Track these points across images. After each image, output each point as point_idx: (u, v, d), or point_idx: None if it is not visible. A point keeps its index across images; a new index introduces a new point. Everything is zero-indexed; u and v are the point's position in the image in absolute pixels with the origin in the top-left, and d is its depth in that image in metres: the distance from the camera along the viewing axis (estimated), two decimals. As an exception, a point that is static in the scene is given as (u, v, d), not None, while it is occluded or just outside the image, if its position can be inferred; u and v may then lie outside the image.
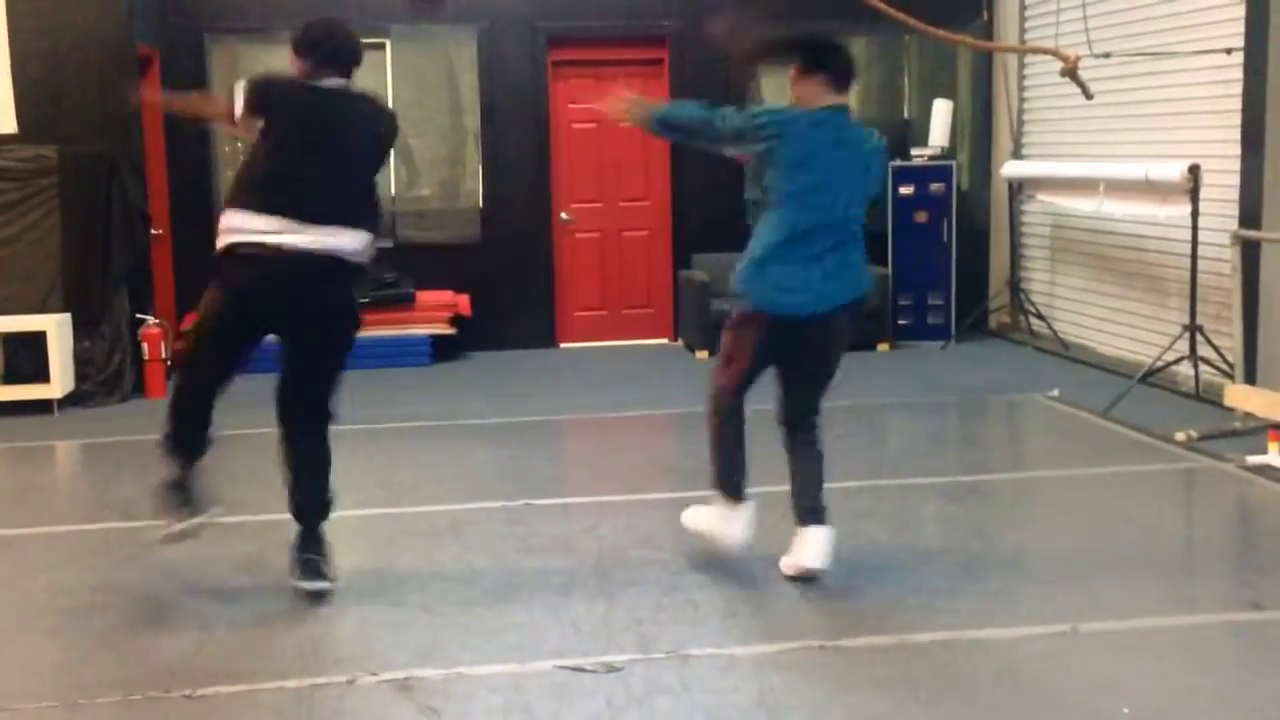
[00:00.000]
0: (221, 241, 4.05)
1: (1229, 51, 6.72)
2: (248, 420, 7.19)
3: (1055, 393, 7.22)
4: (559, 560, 4.53)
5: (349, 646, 3.82)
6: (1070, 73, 6.33)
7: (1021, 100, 9.52)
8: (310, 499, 4.23)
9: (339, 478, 4.34)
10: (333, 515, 4.39)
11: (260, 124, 4.13)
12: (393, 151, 4.75)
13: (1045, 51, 6.90)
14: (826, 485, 4.30)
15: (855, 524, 4.82)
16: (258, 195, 4.04)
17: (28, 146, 7.53)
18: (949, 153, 9.53)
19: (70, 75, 7.58)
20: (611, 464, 6.35)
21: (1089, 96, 6.25)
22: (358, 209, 4.16)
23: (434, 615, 4.05)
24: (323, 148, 4.10)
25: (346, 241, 4.06)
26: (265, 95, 4.17)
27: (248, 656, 3.75)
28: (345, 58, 4.25)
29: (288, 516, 4.34)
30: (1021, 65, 9.53)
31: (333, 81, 4.19)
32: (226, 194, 4.24)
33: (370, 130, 4.28)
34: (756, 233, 4.19)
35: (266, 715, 3.37)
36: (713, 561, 4.39)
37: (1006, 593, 4.12)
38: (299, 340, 4.18)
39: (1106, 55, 7.13)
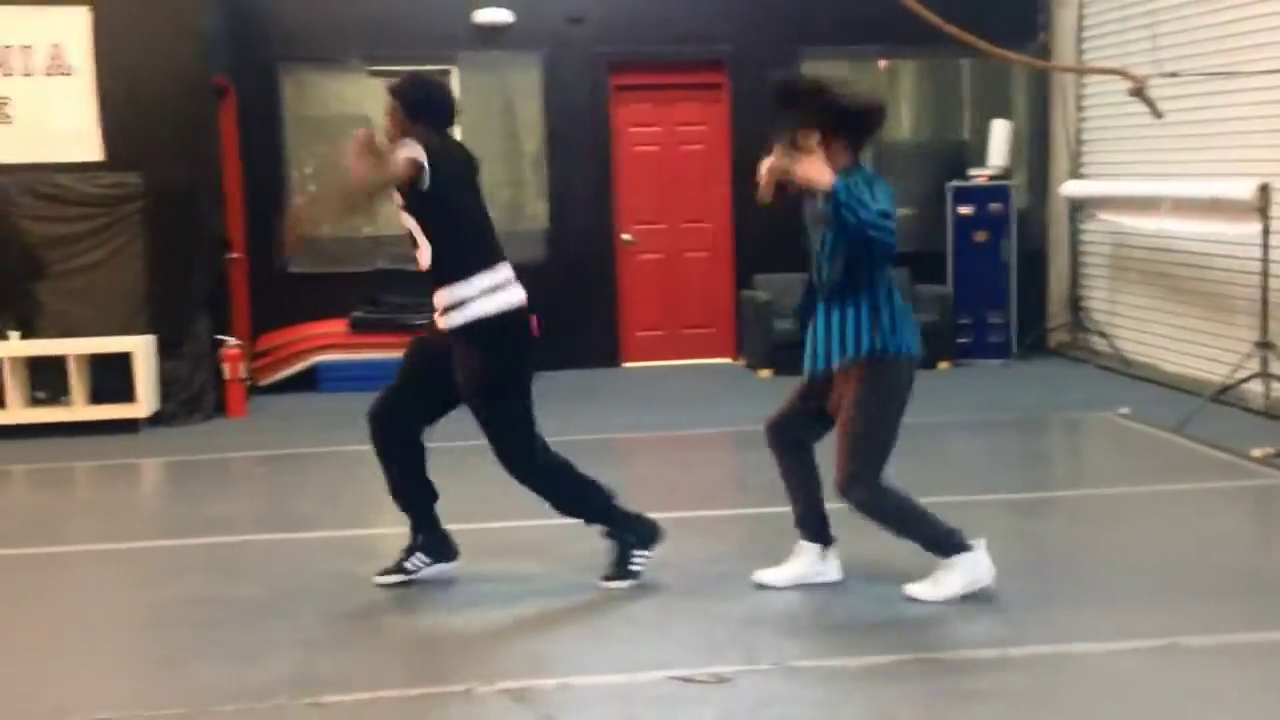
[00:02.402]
0: (499, 304, 4.28)
1: (1296, 71, 6.76)
2: (338, 438, 7.30)
3: (1126, 410, 7.25)
4: (649, 574, 4.61)
5: (460, 657, 3.93)
6: (1138, 92, 6.37)
7: (1080, 119, 9.58)
8: None
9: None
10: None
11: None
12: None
13: (1112, 72, 6.96)
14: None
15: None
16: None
17: (113, 174, 7.77)
18: (1007, 172, 9.60)
19: (153, 106, 7.82)
20: (685, 481, 6.45)
21: (1158, 115, 6.29)
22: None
23: (537, 627, 4.17)
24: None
25: None
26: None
27: (363, 666, 3.87)
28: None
29: (379, 530, 4.54)
30: (1080, 85, 9.59)
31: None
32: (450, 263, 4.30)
33: None
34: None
35: (391, 723, 3.50)
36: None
37: (1099, 607, 4.18)
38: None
39: (1174, 74, 7.16)
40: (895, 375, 4.13)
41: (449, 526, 4.69)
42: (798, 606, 4.24)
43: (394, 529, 4.84)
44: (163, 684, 3.82)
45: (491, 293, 4.28)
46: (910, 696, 3.54)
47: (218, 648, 4.05)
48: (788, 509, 4.47)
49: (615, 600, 4.39)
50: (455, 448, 5.13)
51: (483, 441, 4.44)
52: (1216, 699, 3.47)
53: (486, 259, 4.33)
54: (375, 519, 5.42)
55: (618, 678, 3.73)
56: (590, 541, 4.94)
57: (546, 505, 4.58)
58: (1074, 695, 3.51)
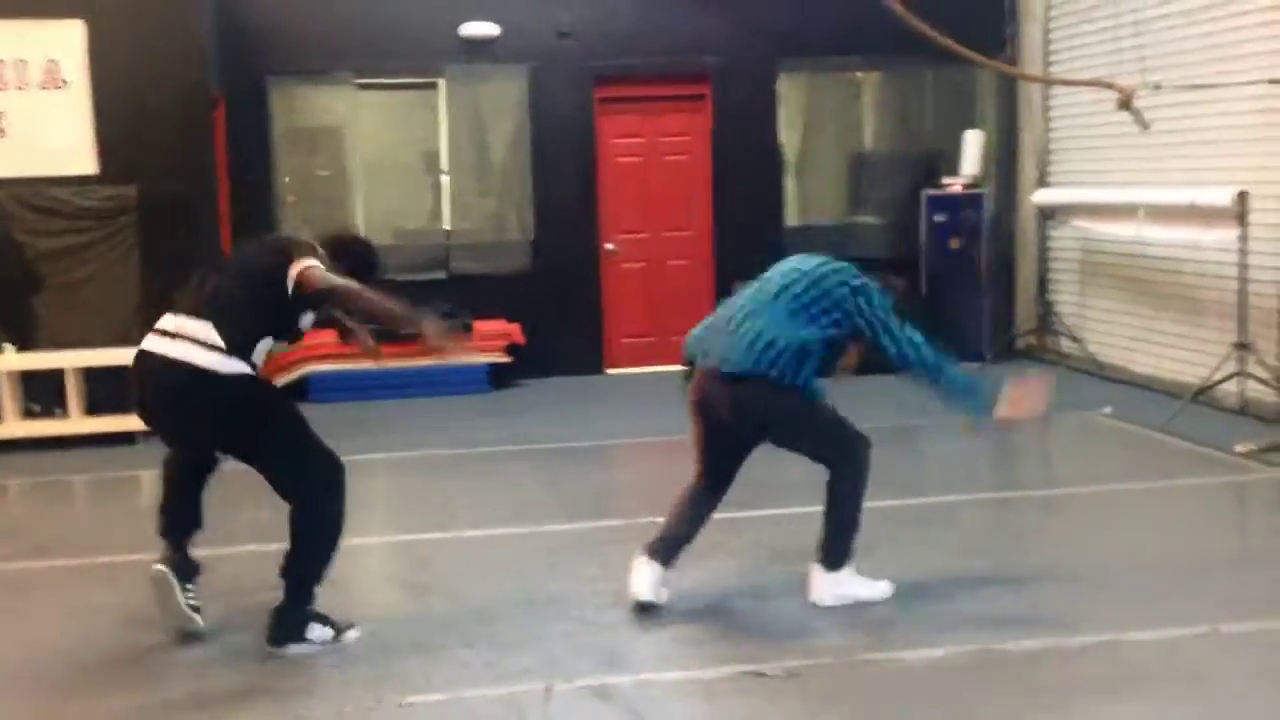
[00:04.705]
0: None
1: (1273, 82, 7.07)
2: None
3: (1109, 409, 7.54)
4: (700, 573, 4.73)
5: (530, 657, 4.02)
6: (1126, 104, 6.67)
7: (1047, 130, 9.91)
8: None
9: (458, 500, 4.47)
10: (474, 534, 4.58)
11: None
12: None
13: (1101, 84, 7.25)
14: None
15: (964, 537, 5.12)
16: None
17: (109, 187, 7.75)
18: (979, 181, 9.90)
19: (149, 119, 7.82)
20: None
21: (1145, 127, 6.60)
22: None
23: (600, 626, 4.28)
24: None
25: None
26: None
27: (441, 668, 3.95)
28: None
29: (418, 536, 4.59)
30: (1046, 96, 9.92)
31: None
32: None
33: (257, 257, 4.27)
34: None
35: (483, 721, 3.59)
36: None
37: (1139, 599, 4.38)
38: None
39: (1157, 87, 7.40)
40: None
41: (495, 531, 4.75)
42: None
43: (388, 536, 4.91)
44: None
45: None
46: (990, 690, 3.73)
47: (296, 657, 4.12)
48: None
49: (678, 600, 4.46)
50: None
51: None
52: (1272, 677, 3.69)
53: None
54: (400, 527, 5.50)
55: (695, 673, 3.87)
56: (626, 544, 5.05)
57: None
58: (1143, 678, 3.72)
